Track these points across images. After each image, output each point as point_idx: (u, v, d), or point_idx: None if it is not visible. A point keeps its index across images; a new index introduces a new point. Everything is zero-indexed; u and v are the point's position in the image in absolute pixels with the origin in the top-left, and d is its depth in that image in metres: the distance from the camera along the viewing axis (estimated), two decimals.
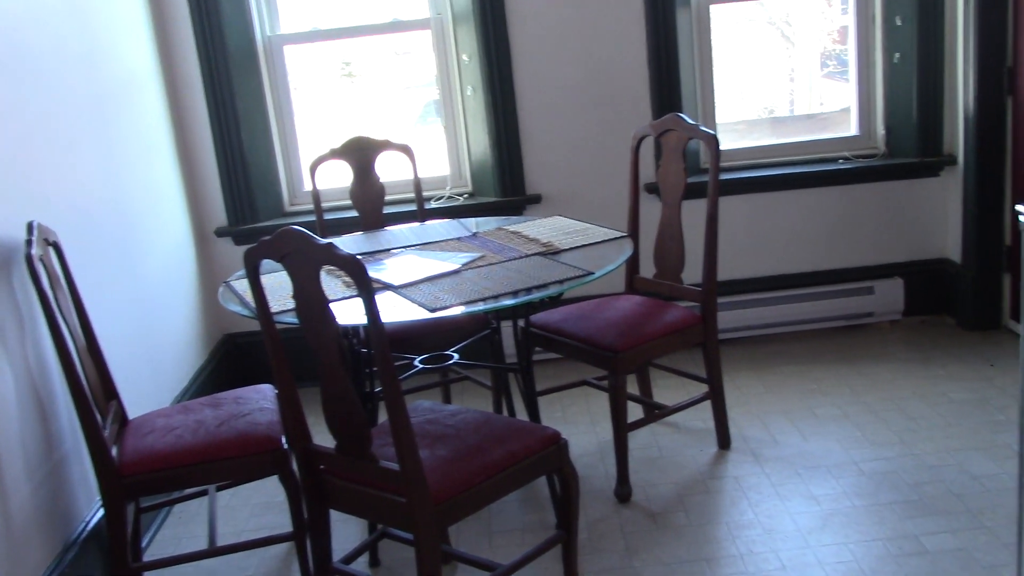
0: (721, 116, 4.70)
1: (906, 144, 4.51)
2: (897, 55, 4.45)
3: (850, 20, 4.62)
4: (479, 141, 4.51)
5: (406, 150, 3.96)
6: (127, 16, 3.94)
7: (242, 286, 3.07)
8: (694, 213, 3.67)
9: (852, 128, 4.70)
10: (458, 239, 3.44)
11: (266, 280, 2.84)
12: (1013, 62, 4.09)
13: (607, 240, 3.24)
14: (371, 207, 3.98)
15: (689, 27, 4.43)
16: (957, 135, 4.38)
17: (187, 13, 4.26)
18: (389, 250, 3.40)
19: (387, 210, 4.07)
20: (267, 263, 2.36)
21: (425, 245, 3.40)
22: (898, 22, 4.40)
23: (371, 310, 2.18)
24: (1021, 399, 2.43)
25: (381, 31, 4.59)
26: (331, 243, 2.21)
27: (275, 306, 2.68)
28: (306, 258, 2.25)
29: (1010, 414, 3.59)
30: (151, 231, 3.90)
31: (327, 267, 2.22)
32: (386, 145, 3.95)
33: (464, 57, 4.44)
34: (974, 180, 4.27)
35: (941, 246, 4.58)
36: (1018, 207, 2.01)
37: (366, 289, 2.17)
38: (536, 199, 4.47)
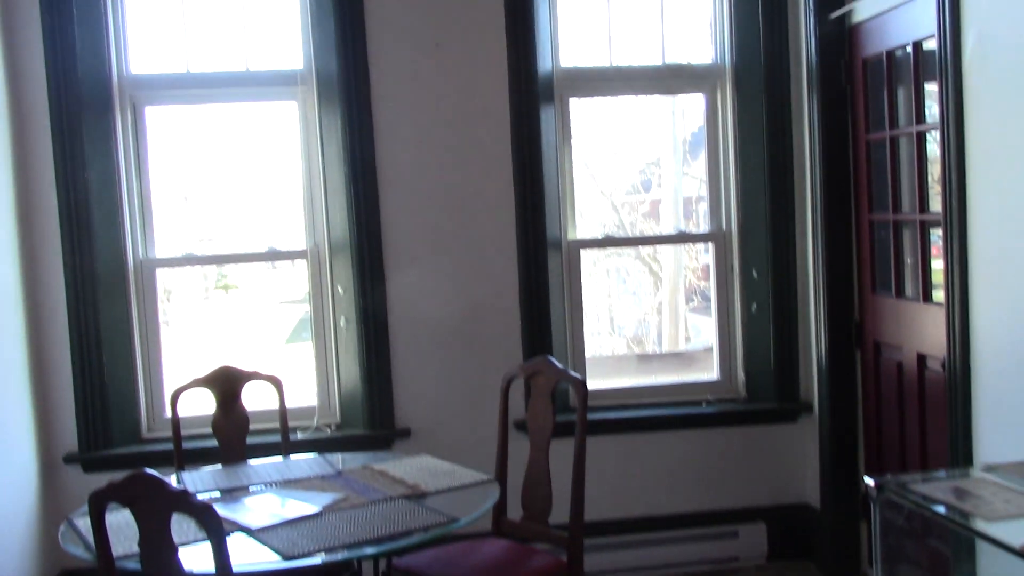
0: (590, 350, 4.82)
1: (765, 390, 4.69)
2: (754, 305, 4.69)
3: (711, 271, 4.87)
4: (350, 372, 4.48)
5: (274, 381, 3.90)
6: None
7: (87, 524, 2.88)
8: (562, 451, 3.66)
9: (714, 372, 4.86)
10: (322, 477, 3.35)
11: (114, 517, 2.69)
12: (860, 317, 4.35)
13: (474, 484, 3.21)
14: (234, 438, 3.86)
15: (560, 268, 4.59)
16: (812, 384, 4.57)
17: (57, 234, 4.20)
18: (248, 487, 3.28)
19: (251, 439, 3.95)
20: None
21: (287, 483, 3.29)
22: (755, 275, 4.67)
23: (222, 563, 2.07)
24: None
25: (257, 259, 4.61)
26: (184, 490, 2.12)
27: (120, 548, 2.52)
28: (156, 506, 2.15)
29: None
30: None
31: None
32: (254, 375, 3.88)
33: (339, 289, 4.47)
34: (829, 428, 4.43)
35: (801, 491, 4.68)
36: (866, 479, 2.08)
37: (218, 542, 2.07)
38: (406, 433, 4.43)
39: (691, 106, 9.76)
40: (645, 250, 11.54)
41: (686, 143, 10.78)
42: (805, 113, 4.47)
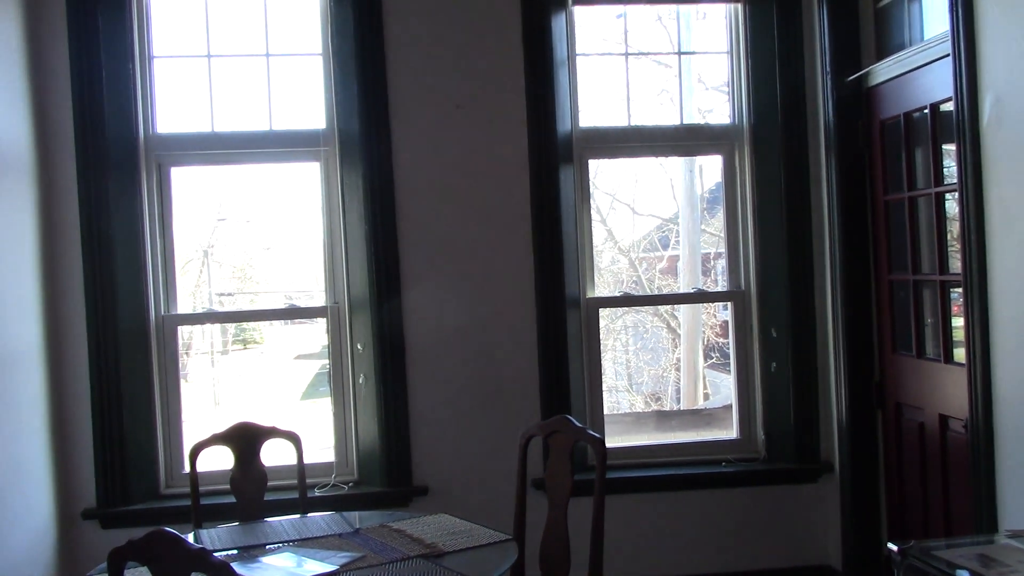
0: (608, 407, 4.80)
1: (785, 450, 4.65)
2: (774, 364, 4.67)
3: (730, 330, 4.87)
4: (368, 429, 4.49)
5: (292, 438, 3.90)
6: (15, 292, 3.90)
7: None
8: (580, 510, 3.64)
9: (734, 431, 4.83)
10: (339, 536, 3.33)
11: (131, 575, 2.69)
12: (880, 377, 4.33)
13: (492, 543, 3.18)
14: (252, 495, 3.85)
15: (578, 326, 4.60)
16: (833, 443, 4.54)
17: (81, 290, 4.25)
18: (266, 545, 3.26)
19: (269, 496, 3.93)
20: None
21: (305, 541, 3.28)
22: (774, 334, 4.66)
23: None
24: None
25: (277, 317, 4.64)
26: (203, 549, 2.12)
27: None
28: (175, 564, 2.14)
29: None
30: (7, 513, 3.68)
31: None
32: (272, 432, 3.88)
33: (359, 346, 4.49)
34: (850, 488, 4.38)
35: (823, 552, 4.62)
36: (889, 544, 2.06)
37: None
38: (423, 491, 4.41)
39: (709, 163, 9.81)
40: (663, 307, 11.53)
41: (703, 200, 10.83)
42: (823, 174, 4.50)
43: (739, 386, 4.80)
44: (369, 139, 4.39)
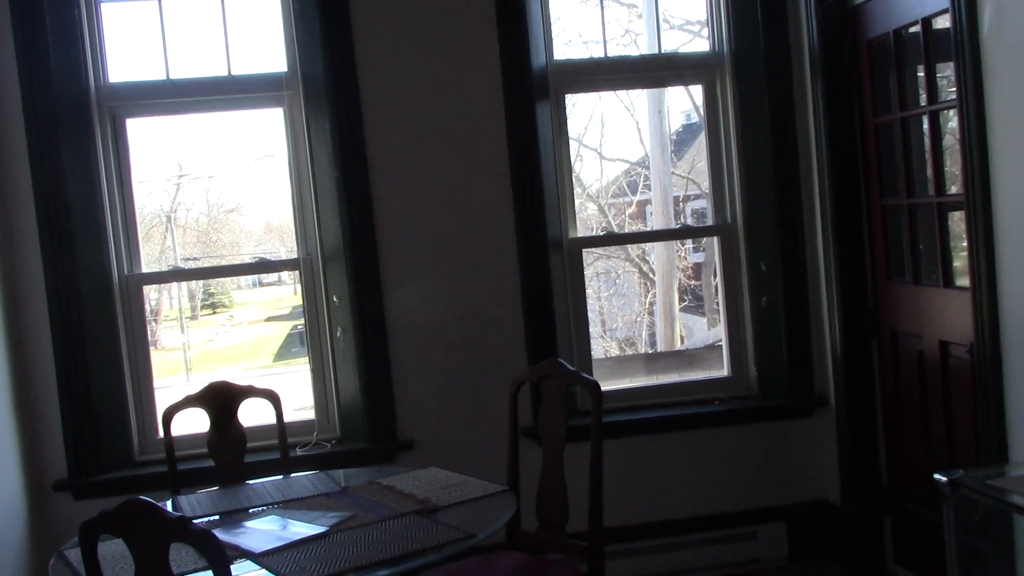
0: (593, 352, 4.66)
1: (778, 385, 4.54)
2: (764, 298, 4.54)
3: (717, 265, 4.72)
4: (349, 384, 4.32)
5: (271, 396, 3.74)
6: None
7: (78, 556, 2.71)
8: (573, 456, 3.50)
9: (724, 369, 4.71)
10: (326, 495, 3.18)
11: (108, 548, 2.54)
12: (875, 306, 4.21)
13: (487, 495, 3.05)
14: (230, 458, 3.68)
15: (562, 268, 4.44)
16: (827, 377, 4.43)
17: (38, 252, 4.02)
18: (248, 509, 3.11)
19: (249, 458, 3.77)
20: None
21: (290, 503, 3.12)
22: (763, 268, 4.52)
23: None
24: None
25: (247, 272, 4.44)
26: (183, 517, 1.96)
27: None
28: (153, 535, 1.98)
29: None
30: None
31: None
32: (249, 392, 3.71)
33: (335, 298, 4.30)
34: (847, 421, 4.28)
35: (820, 487, 4.53)
36: (937, 475, 1.93)
37: (221, 571, 1.91)
38: (409, 445, 4.26)
39: (676, 104, 9.61)
40: (635, 251, 11.42)
41: (672, 142, 10.68)
42: (809, 99, 4.34)
43: (729, 323, 4.66)
44: (335, 80, 4.16)
